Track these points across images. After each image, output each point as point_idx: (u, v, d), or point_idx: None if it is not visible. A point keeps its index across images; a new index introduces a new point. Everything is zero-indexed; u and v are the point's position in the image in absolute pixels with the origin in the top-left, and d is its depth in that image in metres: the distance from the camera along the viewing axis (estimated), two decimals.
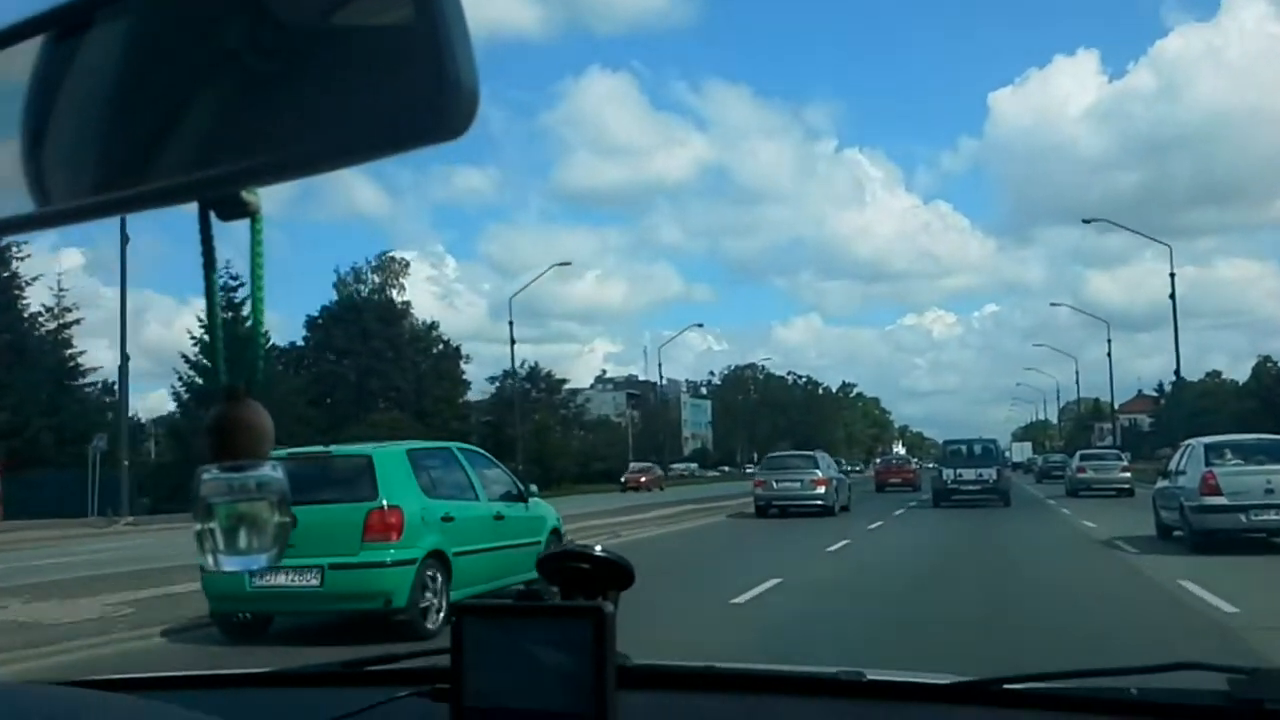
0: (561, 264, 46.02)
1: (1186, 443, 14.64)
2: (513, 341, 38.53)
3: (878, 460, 66.09)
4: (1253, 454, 12.69)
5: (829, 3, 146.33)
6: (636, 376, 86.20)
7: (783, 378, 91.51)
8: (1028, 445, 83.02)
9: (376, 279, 51.43)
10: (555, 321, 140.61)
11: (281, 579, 6.91)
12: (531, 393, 57.61)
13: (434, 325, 53.17)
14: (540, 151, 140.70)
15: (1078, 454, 33.45)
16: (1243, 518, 11.62)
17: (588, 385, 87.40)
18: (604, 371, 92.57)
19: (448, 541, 7.39)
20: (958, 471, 24.85)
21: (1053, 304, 45.29)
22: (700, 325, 53.91)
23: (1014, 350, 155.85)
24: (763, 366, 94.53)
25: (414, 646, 1.32)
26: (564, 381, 62.95)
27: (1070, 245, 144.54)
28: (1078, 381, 62.43)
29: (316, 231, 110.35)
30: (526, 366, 58.63)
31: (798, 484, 21.82)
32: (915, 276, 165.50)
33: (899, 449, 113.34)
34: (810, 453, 25.19)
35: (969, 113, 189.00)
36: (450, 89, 0.43)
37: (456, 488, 7.97)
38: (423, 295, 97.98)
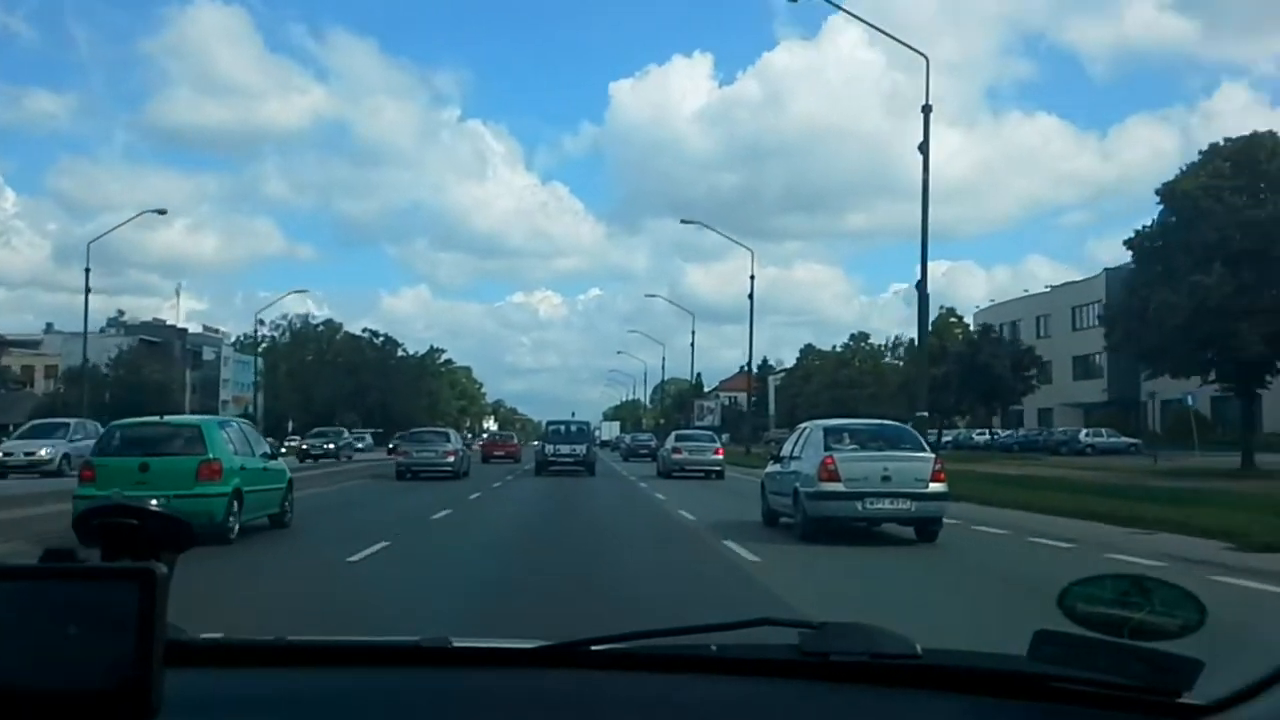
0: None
1: (803, 426, 15.69)
2: None
3: (468, 434, 71.60)
4: (870, 439, 13.87)
5: None
6: (165, 321, 77.83)
7: (357, 336, 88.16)
8: (616, 425, 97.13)
9: None
10: (134, 271, 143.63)
11: None
12: None
13: None
14: (133, 81, 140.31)
15: (673, 434, 36.84)
16: (859, 505, 12.60)
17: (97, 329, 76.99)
18: (121, 313, 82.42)
19: (242, 483, 12.75)
20: (556, 447, 34.05)
21: (684, 221, 49.91)
22: (163, 212, 42.27)
23: (613, 333, 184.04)
24: (338, 323, 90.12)
25: None
26: None
27: (673, 238, 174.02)
28: (693, 345, 66.69)
29: None
30: None
31: (433, 453, 29.95)
32: (528, 255, 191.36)
33: (491, 424, 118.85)
34: (444, 429, 36.58)
35: (592, 99, 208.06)
36: None
37: (244, 447, 13.47)
38: None
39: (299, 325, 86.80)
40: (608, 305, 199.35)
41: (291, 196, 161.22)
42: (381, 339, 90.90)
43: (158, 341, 68.86)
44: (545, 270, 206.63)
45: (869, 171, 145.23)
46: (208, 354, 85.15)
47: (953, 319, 65.34)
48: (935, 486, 12.67)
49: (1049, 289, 71.50)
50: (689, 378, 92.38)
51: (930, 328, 61.61)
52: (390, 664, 1.35)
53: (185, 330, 79.23)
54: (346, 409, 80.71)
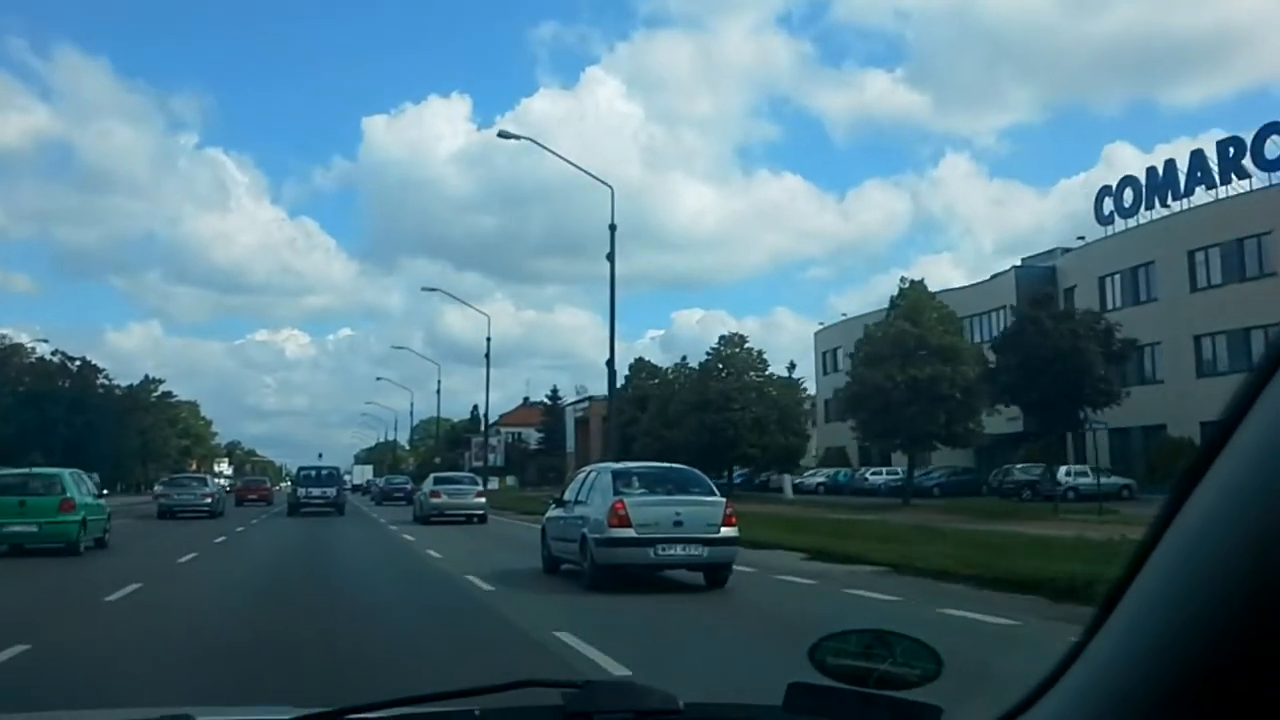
0: None
1: (588, 468, 16.66)
2: None
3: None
4: (659, 483, 14.87)
5: None
6: None
7: (44, 361, 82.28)
8: (369, 468, 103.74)
9: None
10: None
11: (17, 528, 19.90)
12: None
13: None
14: None
15: (431, 477, 39.59)
16: (651, 552, 13.38)
17: None
18: None
19: (87, 513, 20.85)
20: (307, 490, 41.54)
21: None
22: None
23: (366, 374, 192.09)
24: (28, 346, 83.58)
25: None
26: None
27: (431, 277, 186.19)
28: (488, 357, 50.84)
29: None
30: None
31: (192, 496, 38.63)
32: (274, 292, 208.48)
33: (224, 467, 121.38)
34: (202, 475, 48.36)
35: (344, 133, 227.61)
36: None
37: (85, 488, 21.84)
38: None
39: None
40: (360, 345, 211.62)
41: (6, 223, 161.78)
42: (78, 364, 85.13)
43: None
44: (293, 308, 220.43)
45: (625, 220, 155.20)
46: None
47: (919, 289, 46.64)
48: (727, 531, 13.59)
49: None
50: (449, 419, 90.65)
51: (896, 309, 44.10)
52: None
53: None
54: (30, 447, 75.05)
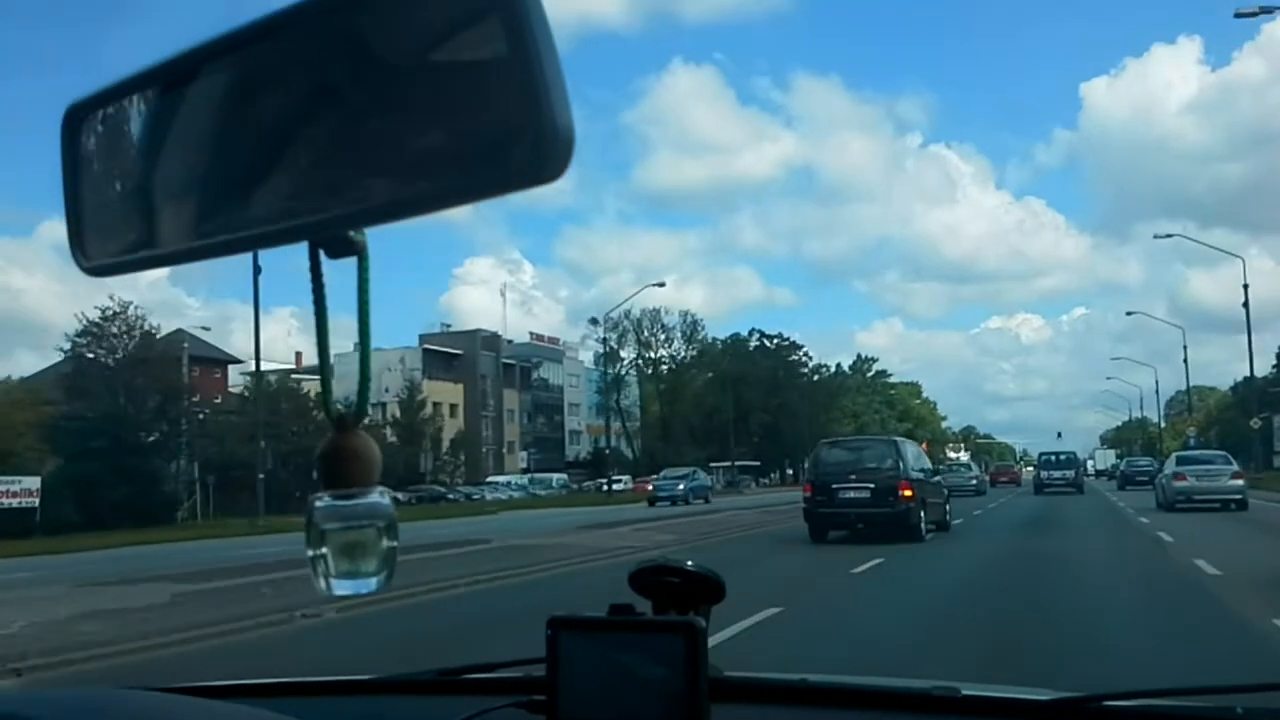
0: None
1: None
2: None
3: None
4: None
5: None
6: (485, 331, 76.61)
7: (739, 340, 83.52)
8: (1111, 453, 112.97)
9: None
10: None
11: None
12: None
13: None
14: (619, 151, 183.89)
15: (1174, 457, 40.09)
16: None
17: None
18: (447, 326, 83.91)
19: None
20: (1049, 473, 56.04)
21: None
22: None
23: (1104, 352, 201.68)
24: (748, 336, 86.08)
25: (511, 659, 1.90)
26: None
27: (1171, 242, 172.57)
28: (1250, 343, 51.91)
29: (389, 237, 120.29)
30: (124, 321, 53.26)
31: (962, 479, 52.97)
32: (1004, 277, 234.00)
33: (960, 455, 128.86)
34: (968, 462, 77.60)
35: (1061, 104, 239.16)
36: (547, 130, 0.62)
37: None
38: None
39: (650, 327, 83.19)
40: (1097, 323, 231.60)
41: (766, 243, 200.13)
42: (775, 341, 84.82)
43: (456, 354, 66.83)
44: (1024, 291, 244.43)
45: None
46: (553, 375, 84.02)
47: None
48: None
49: None
50: (1213, 387, 75.89)
51: None
52: (901, 709, 1.70)
53: (498, 338, 76.79)
54: (752, 438, 76.16)
